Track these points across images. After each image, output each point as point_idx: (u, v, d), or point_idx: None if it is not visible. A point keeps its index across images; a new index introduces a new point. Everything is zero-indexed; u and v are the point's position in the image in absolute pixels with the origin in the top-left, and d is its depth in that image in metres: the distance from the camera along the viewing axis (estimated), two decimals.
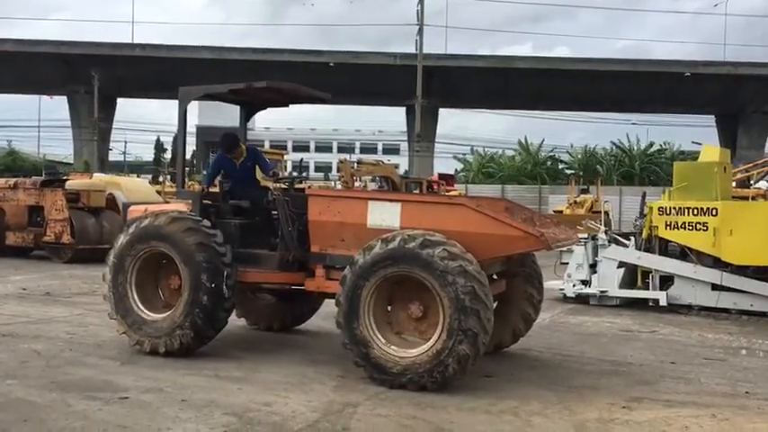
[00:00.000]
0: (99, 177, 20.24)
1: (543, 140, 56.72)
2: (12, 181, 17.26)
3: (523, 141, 56.91)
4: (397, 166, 25.18)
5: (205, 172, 10.47)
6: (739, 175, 18.43)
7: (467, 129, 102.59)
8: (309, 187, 7.28)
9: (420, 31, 42.24)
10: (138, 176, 36.25)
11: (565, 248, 10.53)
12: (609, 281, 10.65)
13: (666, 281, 10.37)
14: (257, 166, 7.58)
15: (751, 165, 19.76)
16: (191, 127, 65.46)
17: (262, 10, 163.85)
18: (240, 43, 50.39)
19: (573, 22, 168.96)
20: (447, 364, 5.38)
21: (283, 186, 6.97)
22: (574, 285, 10.97)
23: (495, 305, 5.91)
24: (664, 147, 55.63)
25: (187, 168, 16.29)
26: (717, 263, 9.97)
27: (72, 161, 53.46)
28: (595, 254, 10.91)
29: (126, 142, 69.10)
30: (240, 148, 7.31)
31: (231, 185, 7.17)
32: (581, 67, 47.90)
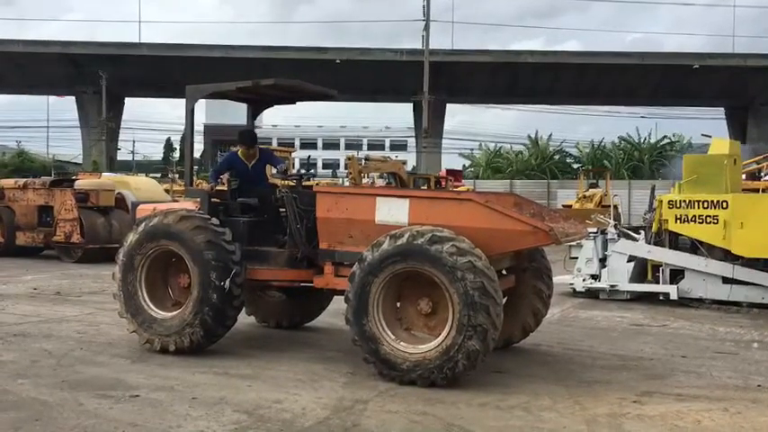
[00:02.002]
0: (108, 177, 20.35)
1: (551, 135, 56.60)
2: (21, 181, 17.35)
3: (533, 136, 56.77)
4: (404, 163, 25.16)
5: (212, 168, 10.47)
6: (749, 168, 18.31)
7: (475, 124, 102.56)
8: (317, 184, 7.29)
9: (426, 27, 42.14)
10: (146, 175, 36.36)
11: (574, 243, 10.49)
12: (619, 275, 10.61)
13: (677, 274, 10.32)
14: (269, 165, 7.59)
15: (761, 157, 19.63)
16: (198, 125, 65.69)
17: (272, 9, 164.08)
18: (249, 42, 50.29)
19: (584, 15, 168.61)
20: (457, 359, 5.37)
21: (291, 184, 6.97)
22: (583, 280, 10.94)
23: (504, 300, 5.90)
24: (673, 140, 55.38)
25: (195, 167, 16.30)
26: (727, 256, 9.92)
27: (81, 161, 53.71)
28: (605, 248, 10.87)
29: (134, 141, 69.40)
30: (256, 149, 7.32)
31: (240, 184, 7.19)
32: (589, 60, 47.73)
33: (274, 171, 7.40)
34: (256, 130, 7.76)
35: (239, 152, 7.42)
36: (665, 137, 55.48)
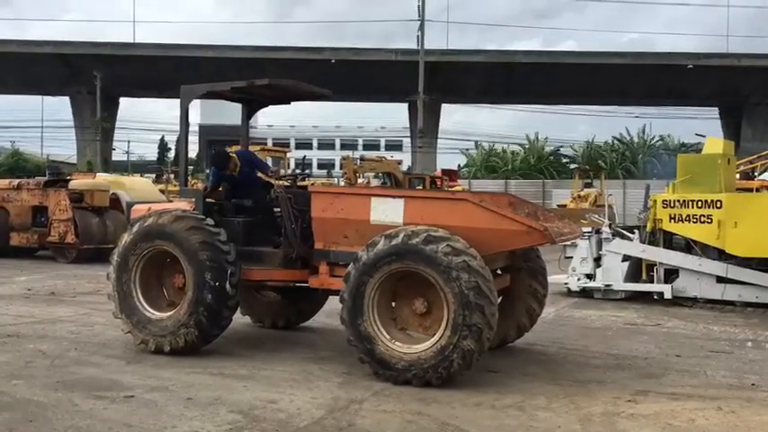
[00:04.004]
0: (102, 177, 20.28)
1: (546, 137, 56.71)
2: (15, 182, 17.30)
3: (531, 136, 56.89)
4: (400, 162, 25.16)
5: (208, 171, 10.51)
6: (743, 167, 18.37)
7: (471, 124, 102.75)
8: (312, 184, 7.28)
9: (421, 27, 42.16)
10: (141, 176, 36.25)
11: (569, 242, 10.52)
12: (613, 274, 10.64)
13: (671, 274, 10.36)
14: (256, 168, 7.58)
15: (755, 156, 19.68)
16: (193, 126, 65.53)
17: (268, 10, 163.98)
18: (245, 43, 50.09)
19: (582, 16, 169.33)
20: (452, 359, 5.38)
21: (286, 184, 6.97)
22: (578, 279, 10.96)
23: (499, 300, 5.90)
24: (665, 139, 55.54)
25: (190, 167, 16.25)
26: (721, 255, 9.95)
27: (75, 161, 53.53)
28: (600, 248, 10.90)
29: (129, 142, 69.18)
30: (233, 161, 7.23)
31: (232, 188, 7.18)
32: (583, 60, 47.75)
33: (269, 173, 7.39)
34: (251, 131, 7.75)
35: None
36: (653, 137, 55.70)
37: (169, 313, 6.49)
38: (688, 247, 10.34)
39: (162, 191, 22.52)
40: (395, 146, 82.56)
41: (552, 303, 9.51)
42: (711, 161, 10.54)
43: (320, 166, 78.88)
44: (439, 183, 24.74)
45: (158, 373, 5.87)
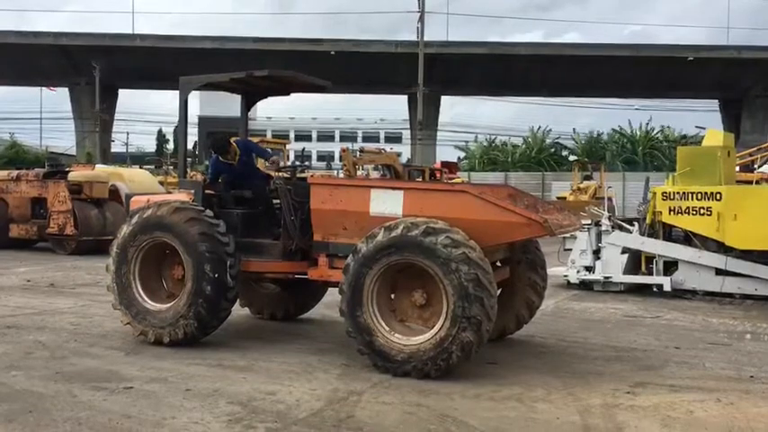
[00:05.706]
0: (101, 168, 20.26)
1: (547, 127, 56.64)
2: (14, 173, 17.28)
3: (533, 129, 56.81)
4: (399, 155, 25.14)
5: (207, 162, 10.51)
6: (742, 160, 18.34)
7: (472, 116, 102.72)
8: (312, 176, 7.26)
9: (421, 18, 42.06)
10: (140, 167, 36.21)
11: (568, 235, 10.53)
12: (613, 267, 10.64)
13: (670, 266, 10.36)
14: (256, 157, 7.56)
15: (755, 148, 19.64)
16: (193, 117, 65.50)
17: (271, 3, 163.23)
18: (246, 35, 49.90)
19: (585, 8, 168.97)
20: (451, 351, 5.38)
21: (285, 175, 6.96)
22: (578, 272, 10.97)
23: (498, 292, 5.90)
24: (666, 132, 55.46)
25: (189, 159, 16.25)
26: (721, 248, 9.96)
27: (74, 153, 53.47)
28: (599, 240, 10.90)
29: (128, 133, 69.07)
30: (232, 148, 7.23)
31: (232, 179, 7.17)
32: (583, 53, 47.63)
33: (267, 163, 7.38)
34: (251, 122, 7.74)
35: (219, 157, 7.36)
36: (653, 128, 55.67)
37: (168, 305, 6.49)
38: (687, 239, 10.34)
39: (161, 182, 22.51)
40: (394, 138, 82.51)
41: (551, 295, 9.52)
42: (711, 153, 10.54)
43: (320, 158, 78.81)
44: (438, 175, 24.70)
45: (157, 364, 5.87)
